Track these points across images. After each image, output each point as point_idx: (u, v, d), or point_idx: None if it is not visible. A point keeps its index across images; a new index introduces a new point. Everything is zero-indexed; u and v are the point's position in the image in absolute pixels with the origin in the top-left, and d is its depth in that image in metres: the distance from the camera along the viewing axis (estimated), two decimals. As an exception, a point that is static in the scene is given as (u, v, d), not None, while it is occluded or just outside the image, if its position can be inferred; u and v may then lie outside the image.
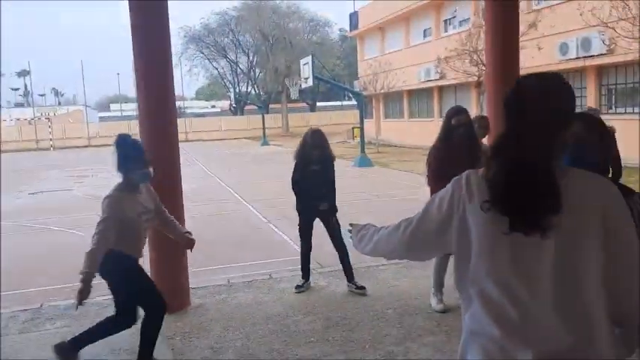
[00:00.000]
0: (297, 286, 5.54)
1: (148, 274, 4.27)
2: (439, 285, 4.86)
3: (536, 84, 1.50)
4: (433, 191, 4.86)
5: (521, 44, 16.05)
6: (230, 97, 53.55)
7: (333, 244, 5.52)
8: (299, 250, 5.95)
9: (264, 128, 35.77)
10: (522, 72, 14.92)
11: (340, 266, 5.57)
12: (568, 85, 1.51)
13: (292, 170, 5.60)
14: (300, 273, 5.66)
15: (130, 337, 4.03)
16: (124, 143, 3.68)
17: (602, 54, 15.83)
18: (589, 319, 1.41)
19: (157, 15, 4.99)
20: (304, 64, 17.51)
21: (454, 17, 24.43)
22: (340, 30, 56.40)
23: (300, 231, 5.65)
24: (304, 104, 53.60)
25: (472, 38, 17.27)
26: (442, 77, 23.45)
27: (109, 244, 3.51)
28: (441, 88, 25.78)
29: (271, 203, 11.01)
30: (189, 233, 4.24)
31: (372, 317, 4.74)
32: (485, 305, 1.49)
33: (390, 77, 25.12)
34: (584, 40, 16.09)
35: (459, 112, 4.81)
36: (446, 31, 25.06)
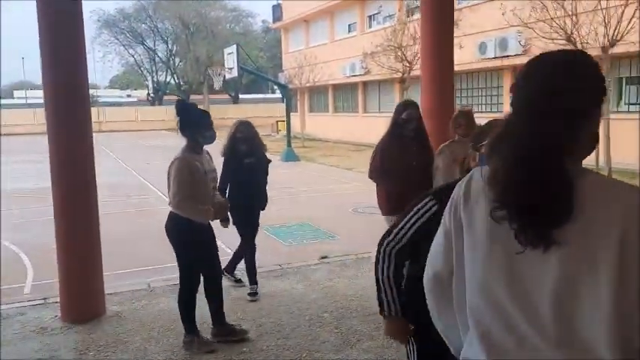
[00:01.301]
0: (252, 294, 5.06)
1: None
2: None
3: (561, 59, 1.23)
4: (380, 188, 4.66)
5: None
6: (147, 87, 51.27)
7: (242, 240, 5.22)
8: (228, 249, 5.57)
9: (184, 120, 34.45)
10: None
11: (268, 267, 5.28)
12: (597, 65, 1.23)
13: (222, 166, 5.06)
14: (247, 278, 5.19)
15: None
16: (185, 107, 3.97)
17: (518, 54, 16.44)
18: (594, 355, 1.15)
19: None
20: (229, 54, 16.91)
21: (379, 13, 24.62)
22: (263, 22, 55.69)
23: (241, 231, 5.15)
24: (227, 96, 52.40)
25: (397, 34, 17.40)
26: (367, 72, 23.56)
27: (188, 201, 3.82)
28: (365, 84, 25.95)
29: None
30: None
31: (307, 322, 4.47)
32: (478, 332, 1.25)
33: (315, 71, 24.95)
34: (502, 41, 16.65)
35: (408, 105, 4.59)
36: (370, 26, 25.22)
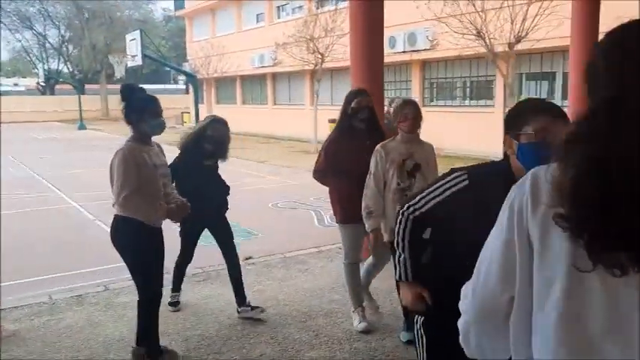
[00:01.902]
0: (173, 303, 4.51)
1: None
2: (358, 301, 4.09)
3: None
4: (331, 190, 4.11)
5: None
6: (37, 75, 47.33)
7: (223, 251, 4.46)
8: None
9: (80, 110, 32.19)
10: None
11: (189, 271, 4.79)
12: None
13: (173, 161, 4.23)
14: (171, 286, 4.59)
15: None
16: (130, 92, 3.48)
17: (426, 49, 16.81)
18: None
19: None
20: (131, 40, 15.81)
21: (287, 4, 24.28)
22: (164, 9, 53.36)
23: (184, 240, 4.51)
24: (126, 86, 49.61)
25: (308, 26, 17.17)
26: (277, 64, 23.16)
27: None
28: (275, 75, 25.53)
29: (96, 196, 9.54)
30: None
31: (240, 333, 4.07)
32: None
33: (223, 61, 24.13)
34: (411, 35, 16.93)
35: (358, 93, 4.03)
36: (279, 17, 24.82)
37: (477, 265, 1.13)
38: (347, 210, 3.91)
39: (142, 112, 3.41)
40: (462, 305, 1.17)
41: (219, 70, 24.25)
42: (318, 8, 18.86)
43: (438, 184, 1.96)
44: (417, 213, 2.01)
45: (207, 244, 6.74)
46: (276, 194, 9.84)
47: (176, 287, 4.63)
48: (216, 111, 30.01)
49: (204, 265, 5.58)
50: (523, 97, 15.08)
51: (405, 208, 2.05)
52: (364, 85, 5.47)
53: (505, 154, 1.88)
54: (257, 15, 26.31)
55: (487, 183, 1.83)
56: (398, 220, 2.07)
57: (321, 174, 4.07)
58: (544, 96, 14.82)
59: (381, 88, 5.60)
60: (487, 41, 11.48)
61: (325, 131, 19.69)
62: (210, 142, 4.24)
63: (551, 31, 11.09)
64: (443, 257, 2.01)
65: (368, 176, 3.61)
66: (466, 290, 1.16)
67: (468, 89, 17.22)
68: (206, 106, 29.13)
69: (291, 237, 6.87)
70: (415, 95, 17.59)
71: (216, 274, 5.40)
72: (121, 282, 5.14)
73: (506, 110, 1.93)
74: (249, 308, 4.32)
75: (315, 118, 17.47)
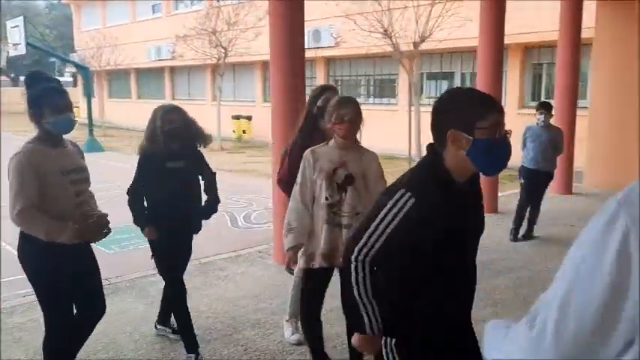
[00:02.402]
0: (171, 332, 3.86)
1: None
2: (296, 311, 3.68)
3: None
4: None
5: (258, 30, 16.15)
6: None
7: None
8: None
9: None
10: (259, 58, 14.96)
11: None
12: None
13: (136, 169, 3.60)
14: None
15: None
16: (33, 82, 2.87)
17: (330, 46, 16.87)
18: None
19: None
20: (13, 27, 14.32)
21: (185, -5, 23.38)
22: (47, -5, 49.51)
23: (162, 264, 3.65)
24: (5, 78, 45.51)
25: (210, 18, 16.56)
26: (175, 57, 22.18)
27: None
28: (173, 69, 24.49)
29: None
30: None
31: (159, 353, 3.68)
32: None
33: (116, 52, 22.68)
34: (315, 32, 16.91)
35: (325, 90, 3.49)
36: (177, 8, 23.81)
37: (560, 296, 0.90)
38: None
39: (42, 107, 2.80)
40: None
41: (112, 62, 22.77)
42: (219, 0, 18.27)
43: (384, 212, 1.75)
44: (370, 255, 1.79)
45: (110, 250, 6.19)
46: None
47: (167, 320, 3.95)
48: (110, 106, 28.38)
49: (110, 276, 5.06)
50: (424, 96, 15.57)
51: (355, 254, 1.80)
52: (288, 80, 5.25)
53: (432, 150, 1.81)
54: (153, 6, 25.06)
55: (430, 193, 1.73)
56: (352, 270, 1.82)
57: (287, 184, 3.40)
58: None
59: (303, 83, 5.41)
60: (393, 40, 11.66)
61: (228, 128, 19.23)
62: (167, 140, 3.43)
63: (452, 32, 11.48)
64: (406, 282, 1.86)
65: (294, 186, 3.03)
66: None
67: (372, 87, 17.52)
68: (98, 100, 27.38)
69: (203, 241, 6.40)
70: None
71: (126, 285, 4.93)
72: (14, 300, 4.54)
73: (435, 105, 1.81)
74: (171, 331, 3.86)
75: (219, 114, 16.94)
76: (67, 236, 2.69)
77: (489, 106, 1.71)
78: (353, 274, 1.81)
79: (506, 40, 7.77)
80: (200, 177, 3.70)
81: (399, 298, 1.86)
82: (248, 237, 6.75)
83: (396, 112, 15.26)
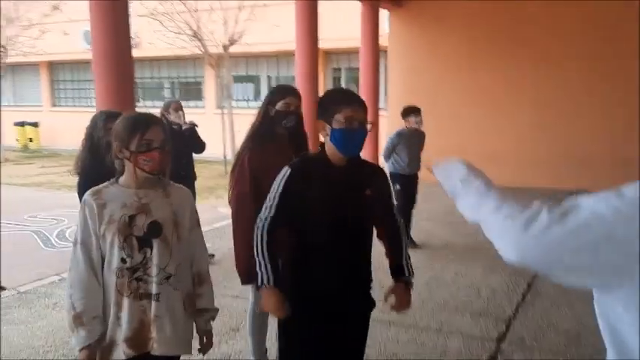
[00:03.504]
0: None
1: None
2: (261, 351, 3.19)
3: None
4: (247, 216, 2.58)
5: (44, 27, 14.56)
6: None
7: None
8: None
9: None
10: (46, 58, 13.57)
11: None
12: None
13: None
14: None
15: None
16: None
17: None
18: None
19: None
20: None
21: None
22: None
23: None
24: None
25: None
26: None
27: None
28: None
29: None
30: None
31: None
32: None
33: None
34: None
35: (287, 91, 2.98)
36: None
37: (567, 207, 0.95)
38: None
39: None
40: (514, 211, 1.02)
41: None
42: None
43: (274, 186, 2.16)
44: (269, 219, 2.15)
45: None
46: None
47: None
48: None
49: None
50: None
51: (258, 221, 2.17)
52: (114, 84, 4.85)
53: (322, 144, 2.18)
54: None
55: (301, 168, 2.16)
56: (255, 234, 2.15)
57: (246, 197, 2.80)
58: (251, 97, 15.67)
59: (132, 89, 5.05)
60: (202, 42, 11.50)
61: (10, 136, 16.91)
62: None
63: (261, 37, 11.75)
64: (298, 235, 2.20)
65: (75, 247, 2.05)
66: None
67: (176, 90, 17.00)
68: None
69: (14, 268, 5.61)
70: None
71: (18, 296, 4.07)
72: None
73: (319, 96, 2.20)
74: None
75: (-1, 121, 14.88)
76: None
77: (345, 102, 2.10)
78: (254, 238, 2.15)
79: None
80: None
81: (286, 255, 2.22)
82: (67, 256, 6.04)
83: (204, 115, 15.06)
